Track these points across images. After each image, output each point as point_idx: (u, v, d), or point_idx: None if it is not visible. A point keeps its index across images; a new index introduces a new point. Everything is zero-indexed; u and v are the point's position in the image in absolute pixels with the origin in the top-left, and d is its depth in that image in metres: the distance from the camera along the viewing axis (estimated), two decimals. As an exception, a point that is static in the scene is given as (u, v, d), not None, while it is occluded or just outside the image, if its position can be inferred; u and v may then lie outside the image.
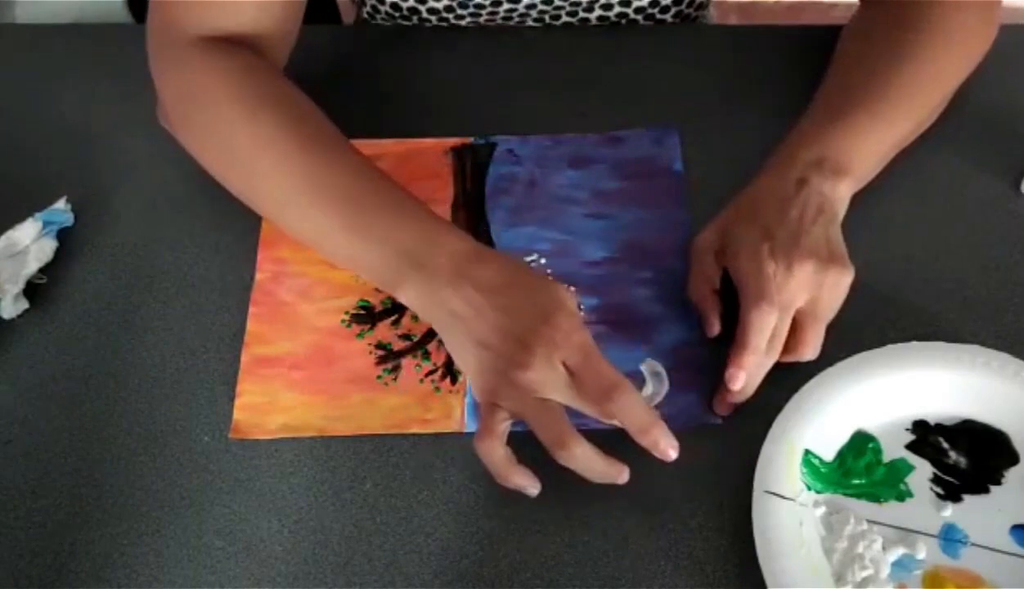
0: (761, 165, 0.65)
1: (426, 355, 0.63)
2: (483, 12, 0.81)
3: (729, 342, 0.58)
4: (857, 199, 0.63)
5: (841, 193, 0.61)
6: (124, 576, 0.55)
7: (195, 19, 0.65)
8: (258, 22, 0.66)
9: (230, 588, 0.55)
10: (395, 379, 0.62)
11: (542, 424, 0.53)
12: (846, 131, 0.63)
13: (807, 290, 0.58)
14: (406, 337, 0.64)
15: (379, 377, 0.62)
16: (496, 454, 0.54)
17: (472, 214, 0.70)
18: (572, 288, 0.61)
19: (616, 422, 0.54)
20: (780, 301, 0.57)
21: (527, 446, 0.58)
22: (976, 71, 0.70)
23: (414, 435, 0.60)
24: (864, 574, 0.54)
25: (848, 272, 0.59)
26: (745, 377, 0.57)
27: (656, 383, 0.61)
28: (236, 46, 0.65)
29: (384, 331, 0.64)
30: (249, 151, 0.62)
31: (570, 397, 0.54)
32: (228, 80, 0.64)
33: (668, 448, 0.53)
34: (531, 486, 0.54)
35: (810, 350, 0.59)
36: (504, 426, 0.54)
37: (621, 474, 0.54)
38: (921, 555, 0.55)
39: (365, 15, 0.87)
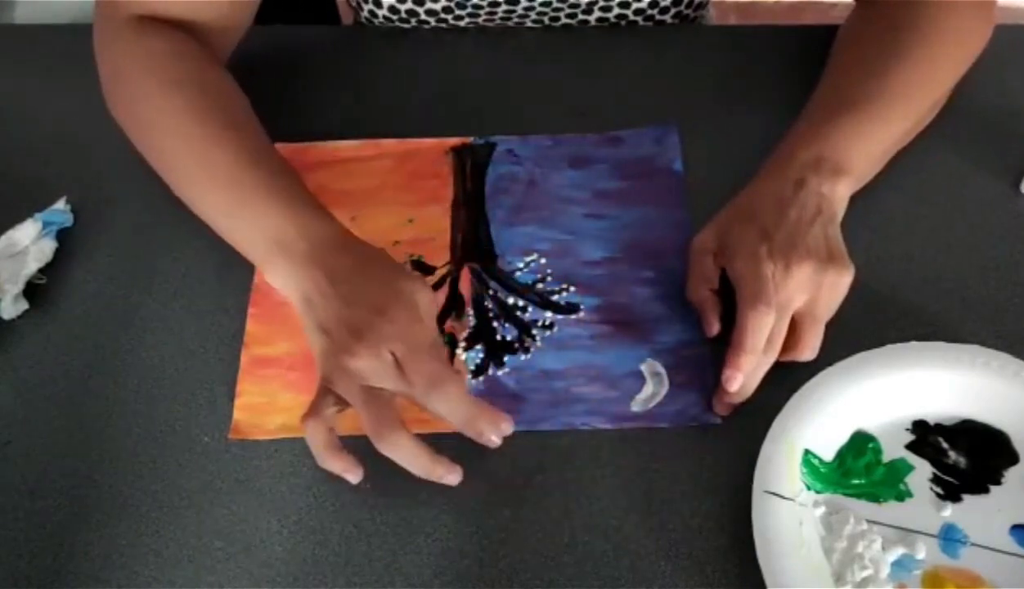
0: (760, 165, 0.65)
1: (426, 355, 0.63)
2: (481, 13, 0.81)
3: (729, 342, 0.58)
4: (857, 199, 0.63)
5: (840, 193, 0.61)
6: (124, 576, 0.55)
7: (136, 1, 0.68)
8: (196, 11, 0.69)
9: (230, 588, 0.55)
10: None
11: (365, 412, 0.54)
12: (843, 131, 0.63)
13: (806, 291, 0.58)
14: (406, 337, 0.64)
15: None
16: (317, 435, 0.55)
17: (472, 214, 0.70)
18: (431, 284, 0.64)
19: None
20: (778, 302, 0.57)
21: (523, 447, 0.59)
22: (976, 71, 0.70)
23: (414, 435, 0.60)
24: (864, 574, 0.54)
25: (848, 272, 0.59)
26: (742, 378, 0.57)
27: (656, 383, 0.61)
28: (174, 29, 0.68)
29: (384, 331, 0.64)
30: (155, 122, 0.65)
31: (397, 388, 0.55)
32: (152, 60, 0.66)
33: (491, 435, 0.56)
34: (350, 472, 0.55)
35: (808, 350, 0.59)
36: (330, 410, 0.56)
37: (449, 473, 0.55)
38: (921, 555, 0.55)
39: (363, 20, 0.87)
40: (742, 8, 1.72)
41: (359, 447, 0.59)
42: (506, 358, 0.63)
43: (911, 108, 0.66)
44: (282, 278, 0.59)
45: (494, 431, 0.57)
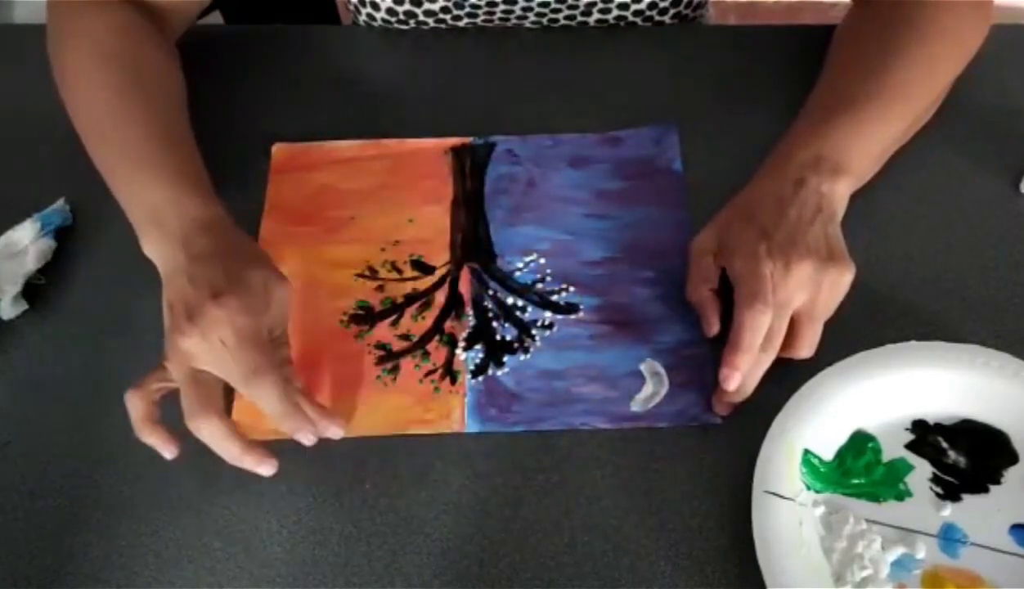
0: (760, 165, 0.65)
1: (425, 355, 0.63)
2: (479, 13, 0.81)
3: (721, 331, 0.59)
4: (857, 199, 0.63)
5: (840, 192, 0.61)
6: (124, 577, 0.55)
7: None
8: None
9: (230, 588, 0.55)
10: (394, 379, 0.62)
11: (184, 391, 0.56)
12: (842, 130, 0.63)
13: (805, 290, 0.58)
14: (405, 337, 0.64)
15: (378, 377, 0.62)
16: (136, 408, 0.56)
17: (472, 214, 0.70)
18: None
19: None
20: (777, 301, 0.57)
21: (523, 447, 0.59)
22: (976, 71, 0.70)
23: (413, 435, 0.60)
24: (863, 574, 0.54)
25: (848, 271, 0.59)
26: (740, 377, 0.57)
27: (656, 383, 0.61)
28: (124, 5, 0.71)
29: (383, 331, 0.64)
30: (83, 92, 0.67)
31: (221, 375, 0.56)
32: (92, 35, 0.68)
33: (301, 437, 0.57)
34: (164, 448, 0.56)
35: (806, 349, 0.59)
36: (157, 386, 0.57)
37: (260, 465, 0.56)
38: (920, 555, 0.55)
39: (361, 23, 0.87)
40: (742, 8, 1.72)
41: (356, 445, 0.60)
42: (506, 358, 0.63)
43: (909, 107, 0.66)
44: (153, 250, 0.60)
45: (305, 434, 0.57)
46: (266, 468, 0.57)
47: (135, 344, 0.64)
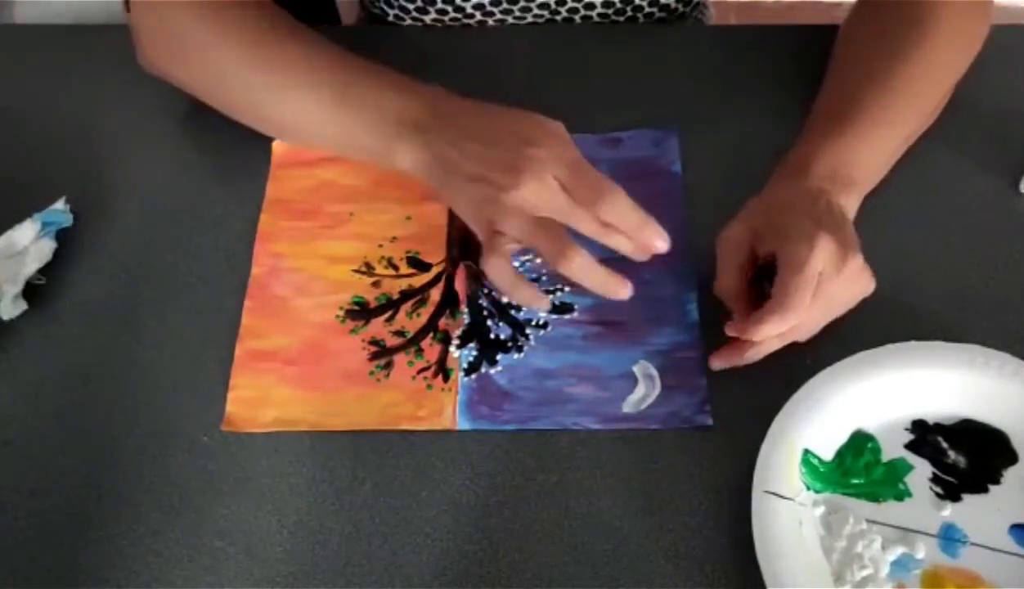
0: (763, 169, 0.65)
1: (419, 352, 0.63)
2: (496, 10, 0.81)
3: (720, 330, 0.59)
4: (857, 198, 0.63)
5: (852, 205, 0.62)
6: (124, 576, 0.55)
7: None
8: None
9: (230, 588, 0.55)
10: (387, 375, 0.62)
11: (542, 238, 0.57)
12: (853, 143, 0.63)
13: (852, 283, 0.59)
14: (399, 334, 0.64)
15: (371, 373, 0.62)
16: (505, 271, 0.58)
17: (472, 214, 0.70)
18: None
19: (615, 240, 0.58)
20: (824, 289, 0.57)
21: (524, 446, 0.59)
22: (976, 71, 0.70)
23: (414, 435, 0.60)
24: (863, 573, 0.54)
25: (872, 285, 0.60)
26: (769, 330, 0.57)
27: (648, 384, 0.61)
28: None
29: (378, 327, 0.64)
30: (223, 55, 0.66)
31: (566, 211, 0.57)
32: (199, 7, 0.66)
33: (659, 241, 0.58)
34: (538, 301, 0.59)
35: (808, 333, 0.60)
36: (508, 247, 0.58)
37: (621, 287, 0.58)
38: (920, 554, 0.55)
39: (374, 13, 0.87)
40: (742, 8, 1.72)
41: (356, 445, 0.60)
42: (499, 356, 0.63)
43: (918, 108, 0.67)
44: (417, 151, 0.61)
45: (660, 238, 0.58)
46: (626, 290, 0.58)
47: (135, 344, 0.64)
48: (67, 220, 0.69)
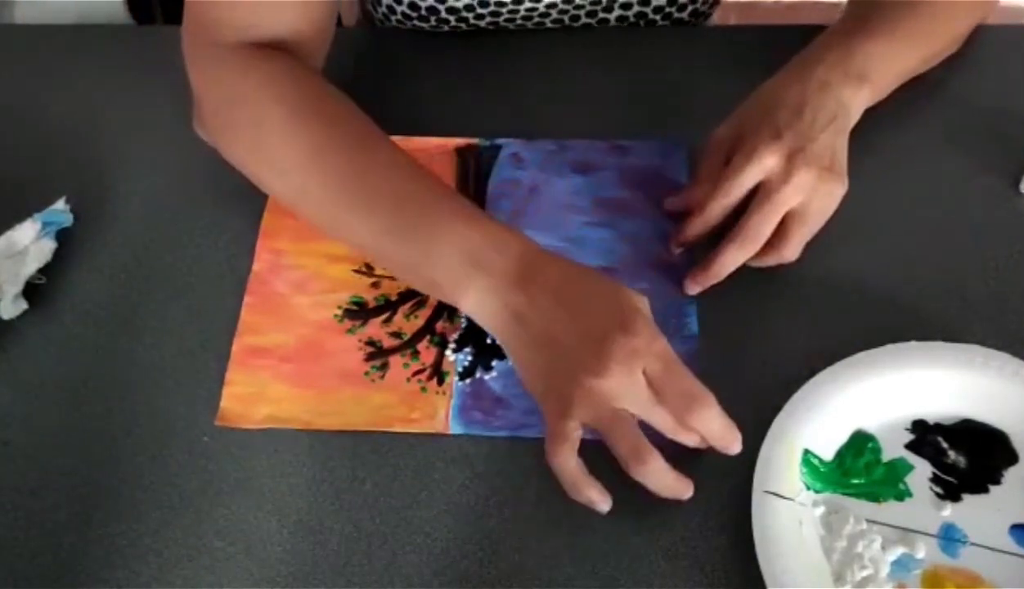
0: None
1: (415, 354, 0.63)
2: (503, 11, 0.81)
3: (720, 332, 0.60)
4: (858, 198, 0.63)
5: (858, 103, 0.63)
6: (124, 576, 0.55)
7: (235, 22, 0.64)
8: (297, 25, 0.65)
9: (230, 588, 0.55)
10: (382, 376, 0.62)
11: (618, 436, 0.52)
12: (872, 41, 0.64)
13: (801, 193, 0.59)
14: (396, 335, 0.64)
15: (367, 374, 0.62)
16: (571, 464, 0.52)
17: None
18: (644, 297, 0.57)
19: (687, 438, 0.55)
20: (772, 199, 0.59)
21: (524, 447, 0.58)
22: (976, 71, 0.70)
23: (414, 436, 0.60)
24: (863, 574, 0.54)
25: (842, 185, 0.61)
26: (697, 229, 0.62)
27: None
28: (274, 50, 0.65)
29: (375, 328, 0.64)
30: (297, 160, 0.61)
31: (648, 408, 0.53)
32: (272, 85, 0.63)
33: (736, 446, 0.55)
34: (602, 502, 0.53)
35: (790, 251, 0.61)
36: (577, 435, 0.52)
37: (687, 489, 0.54)
38: (920, 554, 0.55)
39: (379, 17, 0.86)
40: (742, 8, 1.72)
41: (356, 445, 0.60)
42: (494, 362, 0.63)
43: (934, 37, 0.69)
44: (487, 298, 0.55)
45: (739, 443, 0.55)
46: (690, 492, 0.54)
47: (135, 344, 0.64)
48: (67, 220, 0.69)
